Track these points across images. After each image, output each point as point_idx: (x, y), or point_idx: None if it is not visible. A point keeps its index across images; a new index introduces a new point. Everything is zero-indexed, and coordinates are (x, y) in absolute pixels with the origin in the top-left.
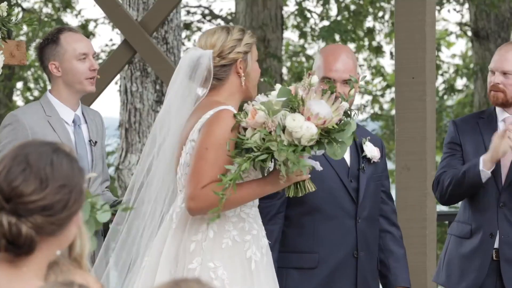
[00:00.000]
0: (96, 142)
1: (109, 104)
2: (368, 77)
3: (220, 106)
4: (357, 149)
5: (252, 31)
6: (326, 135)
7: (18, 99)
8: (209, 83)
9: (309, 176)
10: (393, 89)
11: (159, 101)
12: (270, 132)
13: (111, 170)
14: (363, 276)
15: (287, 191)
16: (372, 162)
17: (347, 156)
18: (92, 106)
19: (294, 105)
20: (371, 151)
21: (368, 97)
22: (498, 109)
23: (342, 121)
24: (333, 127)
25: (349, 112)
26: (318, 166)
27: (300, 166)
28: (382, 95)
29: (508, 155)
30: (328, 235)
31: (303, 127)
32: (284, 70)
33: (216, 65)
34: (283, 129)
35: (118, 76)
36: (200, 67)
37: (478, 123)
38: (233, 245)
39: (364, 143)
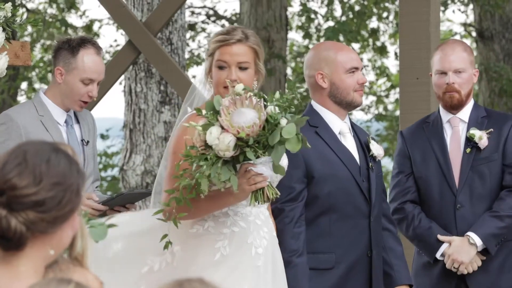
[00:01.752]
0: (88, 141)
1: (114, 104)
2: (373, 78)
3: (194, 110)
4: (363, 148)
5: (256, 32)
6: (245, 144)
7: (22, 100)
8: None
9: (267, 183)
10: (397, 89)
11: (164, 102)
12: (200, 148)
13: (115, 171)
14: (376, 275)
15: (249, 201)
16: (376, 160)
17: (356, 156)
18: (96, 107)
19: (212, 120)
20: (377, 149)
21: (372, 98)
22: (442, 112)
23: (267, 125)
24: (245, 135)
25: (272, 116)
26: (272, 173)
27: (221, 180)
28: (387, 96)
29: (457, 157)
30: (344, 235)
31: (219, 139)
32: (289, 71)
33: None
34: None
35: (122, 77)
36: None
37: (424, 129)
38: (203, 233)
39: (369, 142)
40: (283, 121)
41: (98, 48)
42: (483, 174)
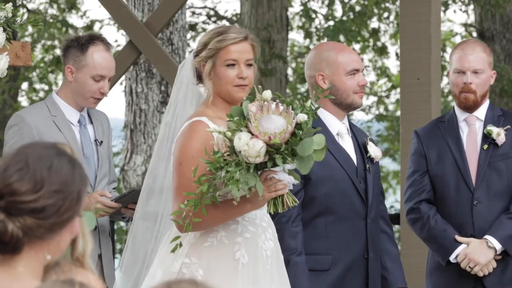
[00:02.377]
0: (102, 142)
1: (114, 105)
2: (373, 78)
3: (194, 117)
4: (361, 149)
5: (257, 32)
6: (275, 150)
7: (23, 100)
8: (197, 83)
9: (287, 191)
10: (398, 90)
11: (164, 102)
12: (224, 153)
13: (116, 171)
14: (373, 277)
15: (268, 208)
16: (374, 161)
17: (353, 157)
18: (97, 107)
19: (239, 125)
20: (374, 151)
21: (373, 98)
22: (457, 111)
23: (299, 134)
24: (279, 142)
25: (304, 124)
26: (292, 180)
27: (248, 186)
28: (387, 96)
29: (473, 154)
30: (340, 236)
31: (249, 145)
32: (290, 71)
33: (194, 67)
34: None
35: (123, 77)
36: (189, 65)
37: (440, 128)
38: (218, 245)
39: (367, 143)
40: (302, 116)
41: (107, 44)
42: (501, 170)
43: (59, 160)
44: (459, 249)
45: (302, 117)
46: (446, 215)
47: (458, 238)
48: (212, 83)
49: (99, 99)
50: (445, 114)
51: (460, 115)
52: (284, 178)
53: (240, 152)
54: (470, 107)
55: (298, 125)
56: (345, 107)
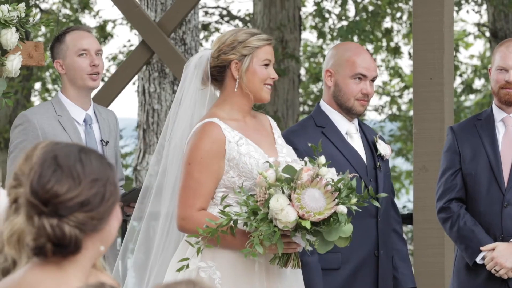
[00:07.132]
0: (107, 141)
1: (127, 105)
2: (386, 78)
3: (206, 118)
4: (371, 148)
5: (270, 32)
6: (302, 226)
7: (36, 100)
8: (208, 83)
9: (296, 250)
10: (411, 90)
11: None
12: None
13: (129, 171)
14: (383, 275)
15: (271, 261)
16: (384, 159)
17: (363, 156)
18: (110, 107)
19: (284, 185)
20: (384, 148)
21: (386, 98)
22: (495, 110)
23: (330, 221)
24: (310, 222)
25: (341, 216)
26: (302, 244)
27: (271, 243)
28: (400, 96)
29: (508, 156)
30: None
31: (283, 211)
32: (302, 71)
33: (212, 66)
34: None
35: (136, 77)
36: (199, 67)
37: (476, 126)
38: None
39: (376, 141)
40: (343, 208)
41: (84, 28)
42: None
43: (84, 153)
44: (486, 252)
45: (342, 209)
46: (476, 214)
47: (483, 248)
48: (242, 81)
49: (96, 74)
50: (483, 112)
51: (498, 114)
52: (299, 241)
53: (271, 211)
54: (511, 104)
55: (334, 214)
56: (346, 111)
